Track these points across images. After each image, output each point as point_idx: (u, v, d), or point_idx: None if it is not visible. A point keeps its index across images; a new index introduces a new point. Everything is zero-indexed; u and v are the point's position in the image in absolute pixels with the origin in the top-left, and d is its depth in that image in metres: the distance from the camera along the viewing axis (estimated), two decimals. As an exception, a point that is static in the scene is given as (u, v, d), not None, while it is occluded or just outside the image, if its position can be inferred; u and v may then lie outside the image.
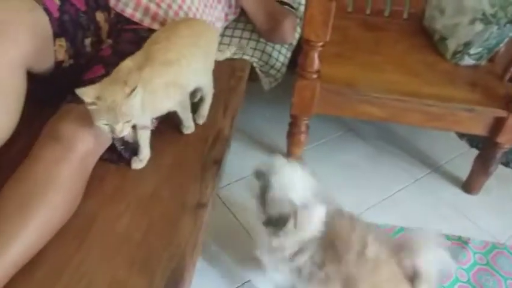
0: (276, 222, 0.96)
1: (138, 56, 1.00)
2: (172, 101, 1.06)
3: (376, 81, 1.48)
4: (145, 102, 0.93)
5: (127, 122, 0.89)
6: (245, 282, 1.30)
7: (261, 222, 1.00)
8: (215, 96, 1.26)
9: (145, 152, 1.08)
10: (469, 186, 1.68)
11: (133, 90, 0.86)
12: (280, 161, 1.01)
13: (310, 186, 1.00)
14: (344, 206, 1.58)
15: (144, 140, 1.06)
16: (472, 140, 1.91)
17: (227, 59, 1.44)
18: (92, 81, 1.01)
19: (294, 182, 0.97)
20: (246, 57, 1.54)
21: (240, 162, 1.68)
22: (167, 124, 1.16)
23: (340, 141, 1.89)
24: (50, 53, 1.04)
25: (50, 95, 1.06)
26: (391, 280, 0.98)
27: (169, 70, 1.00)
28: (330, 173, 1.70)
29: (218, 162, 1.12)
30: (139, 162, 1.07)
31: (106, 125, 0.88)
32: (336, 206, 1.08)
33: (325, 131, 1.92)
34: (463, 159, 1.79)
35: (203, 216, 0.98)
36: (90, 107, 0.86)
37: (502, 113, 1.41)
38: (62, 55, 1.07)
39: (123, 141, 1.04)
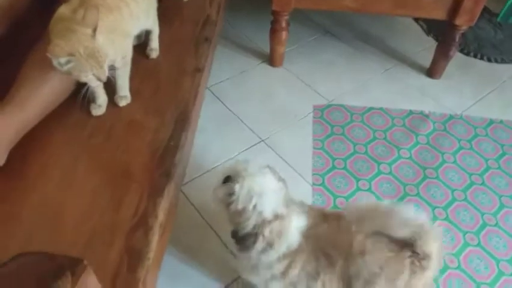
0: (244, 240, 0.88)
1: (73, 2, 0.92)
2: (117, 49, 0.97)
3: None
4: None
5: (107, 64, 0.88)
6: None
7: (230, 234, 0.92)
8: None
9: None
10: (432, 71, 1.89)
11: (96, 28, 0.84)
12: (248, 167, 0.87)
13: (282, 194, 0.89)
14: (323, 91, 1.81)
15: (123, 79, 1.05)
16: (438, 35, 2.10)
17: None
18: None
19: (262, 191, 0.85)
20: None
21: (227, 65, 1.88)
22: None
23: (318, 43, 2.06)
24: None
25: None
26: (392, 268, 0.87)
27: (109, 17, 0.95)
28: (309, 70, 1.90)
29: (209, 40, 1.30)
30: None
31: (92, 75, 0.87)
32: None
33: (304, 34, 2.09)
34: (428, 52, 1.98)
35: (200, 78, 1.18)
36: (67, 67, 0.84)
37: (458, -5, 1.59)
38: None
39: None
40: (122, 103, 1.07)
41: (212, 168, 1.48)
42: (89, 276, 0.46)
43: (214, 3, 1.44)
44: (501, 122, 1.73)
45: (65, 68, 0.84)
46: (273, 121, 1.66)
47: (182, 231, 1.30)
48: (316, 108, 1.73)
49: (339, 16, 2.20)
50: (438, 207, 1.43)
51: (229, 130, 1.62)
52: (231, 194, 0.85)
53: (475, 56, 2.03)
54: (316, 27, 2.14)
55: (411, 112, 1.74)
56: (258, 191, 0.84)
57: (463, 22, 1.66)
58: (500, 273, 1.28)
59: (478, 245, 1.35)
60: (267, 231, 0.85)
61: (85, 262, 0.45)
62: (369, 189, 1.47)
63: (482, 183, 1.51)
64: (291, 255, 0.90)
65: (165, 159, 0.95)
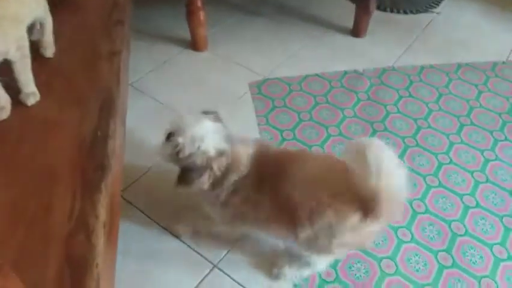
0: (189, 173, 0.93)
1: None
2: (8, 39, 0.85)
3: None
4: None
5: None
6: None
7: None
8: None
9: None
10: (356, 30, 1.89)
11: None
12: (187, 117, 0.94)
13: (223, 133, 0.95)
14: (257, 69, 1.73)
15: (25, 73, 0.90)
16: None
17: None
18: None
19: (203, 134, 0.91)
20: None
21: (147, 58, 1.74)
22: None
23: (239, 22, 1.98)
24: None
25: None
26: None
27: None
28: (237, 49, 1.81)
29: (121, 22, 1.16)
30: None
31: None
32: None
33: (222, 15, 2.00)
34: (348, 13, 1.96)
35: (119, 61, 1.03)
36: None
37: None
38: None
39: None
40: (30, 101, 0.90)
41: (150, 168, 1.33)
42: (9, 278, 0.32)
43: (119, -15, 1.30)
44: (431, 66, 1.76)
45: None
46: (211, 105, 1.54)
47: (134, 240, 1.14)
48: (252, 85, 1.64)
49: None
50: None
51: (165, 123, 1.47)
52: (176, 146, 0.90)
53: (391, 11, 2.07)
54: (233, 8, 2.06)
55: (346, 72, 1.71)
56: (199, 135, 0.91)
57: (377, -26, 1.67)
58: (466, 208, 1.27)
59: (440, 185, 1.33)
60: (215, 166, 0.92)
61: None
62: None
63: (429, 126, 1.51)
64: (235, 184, 0.96)
65: (95, 152, 0.81)
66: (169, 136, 0.93)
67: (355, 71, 1.72)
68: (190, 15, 1.68)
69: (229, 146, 0.93)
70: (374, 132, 1.48)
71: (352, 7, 1.87)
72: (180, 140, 0.90)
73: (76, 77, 0.97)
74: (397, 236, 1.20)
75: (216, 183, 0.95)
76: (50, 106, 0.90)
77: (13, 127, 0.85)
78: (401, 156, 1.40)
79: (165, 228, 1.19)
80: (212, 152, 0.91)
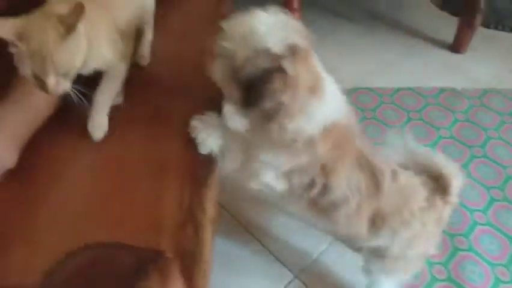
0: (253, 87, 0.65)
1: None
2: (114, 48, 0.75)
3: None
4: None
5: (64, 74, 0.63)
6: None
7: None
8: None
9: (101, 120, 0.75)
10: (456, 45, 1.76)
11: (72, 29, 0.61)
12: (235, 17, 0.68)
13: (298, 30, 0.69)
14: (346, 75, 1.67)
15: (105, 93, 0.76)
16: (453, 10, 1.97)
17: None
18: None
19: (256, 27, 0.64)
20: None
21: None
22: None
23: (332, 25, 1.92)
24: None
25: None
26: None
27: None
28: (327, 53, 1.75)
29: (227, 17, 1.15)
30: (98, 130, 0.75)
31: (34, 76, 0.62)
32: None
33: (317, 16, 1.94)
34: (446, 27, 1.85)
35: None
36: (11, 49, 0.62)
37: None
38: None
39: None
40: (99, 134, 0.75)
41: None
42: (176, 275, 0.29)
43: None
44: (540, 91, 1.61)
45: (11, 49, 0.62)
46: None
47: (217, 243, 1.13)
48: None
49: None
50: (494, 187, 1.29)
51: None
52: (227, 57, 0.65)
53: (496, 28, 1.91)
54: (326, 10, 2.00)
55: (442, 89, 1.60)
56: (253, 27, 0.64)
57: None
58: None
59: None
60: (289, 67, 0.63)
61: (168, 255, 0.29)
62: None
63: (535, 157, 1.38)
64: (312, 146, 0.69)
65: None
66: (219, 49, 0.67)
67: (453, 89, 1.61)
68: (285, 15, 1.66)
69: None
70: (472, 158, 1.36)
71: (452, 20, 1.76)
72: (227, 45, 0.65)
73: (183, 71, 0.96)
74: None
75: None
76: (159, 96, 0.89)
77: (128, 111, 0.84)
78: (501, 187, 1.28)
79: (252, 234, 1.16)
80: (278, 48, 0.63)
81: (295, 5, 1.62)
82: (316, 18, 1.94)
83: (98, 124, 0.75)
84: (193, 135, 0.75)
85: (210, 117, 0.78)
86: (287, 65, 0.63)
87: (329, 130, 0.71)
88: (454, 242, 1.15)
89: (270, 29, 0.64)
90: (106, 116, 0.76)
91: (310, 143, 0.70)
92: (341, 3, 2.02)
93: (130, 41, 0.80)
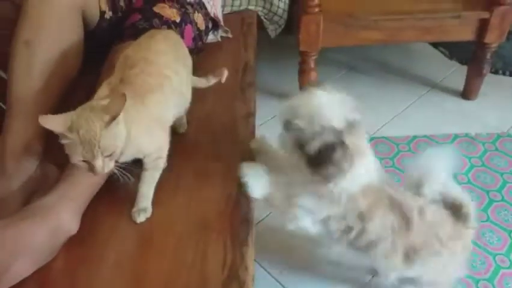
0: (321, 156, 0.79)
1: (113, 80, 0.83)
2: (155, 140, 0.85)
3: (372, 6, 1.65)
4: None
5: (109, 156, 0.72)
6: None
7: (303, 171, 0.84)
8: (234, 40, 1.44)
9: (144, 203, 0.86)
10: (467, 92, 1.86)
11: (116, 115, 0.70)
12: (297, 97, 0.85)
13: (347, 104, 0.85)
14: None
15: (148, 186, 0.86)
16: (461, 58, 2.09)
17: (234, 12, 1.61)
18: (133, 26, 1.16)
19: (322, 106, 0.81)
20: (251, 7, 1.70)
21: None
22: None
23: (344, 79, 2.06)
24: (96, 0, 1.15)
25: (92, 51, 1.12)
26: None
27: (152, 98, 0.82)
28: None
29: (252, 84, 1.28)
30: (141, 215, 0.85)
31: (83, 161, 0.72)
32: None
33: (329, 71, 2.08)
34: (456, 75, 1.97)
35: (253, 121, 1.14)
36: (62, 141, 0.71)
37: (484, 14, 1.60)
38: (104, 4, 1.19)
39: None
40: (141, 218, 0.85)
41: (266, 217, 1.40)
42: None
43: (249, 49, 1.44)
44: (552, 134, 1.68)
45: (62, 141, 0.71)
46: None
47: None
48: (359, 143, 1.68)
49: (354, 51, 2.19)
50: (516, 231, 1.34)
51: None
52: (296, 131, 0.80)
53: (504, 74, 2.01)
54: (339, 64, 2.14)
55: (456, 136, 1.69)
56: (318, 107, 0.80)
57: (493, 39, 1.66)
58: None
59: None
60: (347, 140, 0.79)
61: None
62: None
63: (552, 199, 1.42)
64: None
65: (241, 205, 0.89)
66: (287, 124, 0.83)
67: (466, 135, 1.69)
68: (302, 73, 1.79)
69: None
70: (490, 202, 1.42)
71: (460, 68, 1.86)
72: (299, 123, 0.80)
73: (217, 137, 1.08)
74: None
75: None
76: (200, 161, 1.01)
77: (170, 177, 0.96)
78: (521, 230, 1.33)
79: (276, 280, 1.23)
80: (340, 124, 0.79)
81: (312, 64, 1.76)
82: (332, 74, 2.08)
83: (142, 209, 0.86)
84: (243, 180, 0.88)
85: (258, 165, 0.92)
86: (347, 138, 0.80)
87: (368, 186, 0.87)
88: (478, 287, 1.19)
89: (332, 109, 0.81)
90: (150, 203, 0.87)
91: (352, 196, 0.87)
92: (354, 58, 2.17)
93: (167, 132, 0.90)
